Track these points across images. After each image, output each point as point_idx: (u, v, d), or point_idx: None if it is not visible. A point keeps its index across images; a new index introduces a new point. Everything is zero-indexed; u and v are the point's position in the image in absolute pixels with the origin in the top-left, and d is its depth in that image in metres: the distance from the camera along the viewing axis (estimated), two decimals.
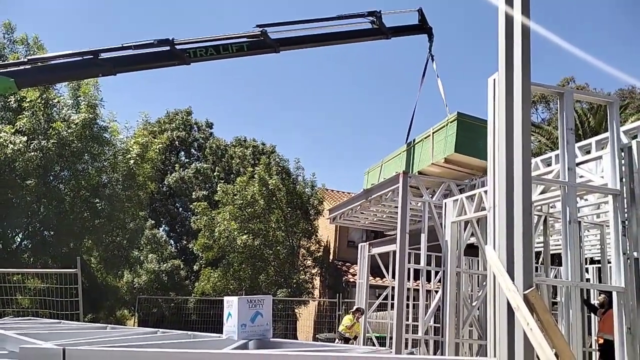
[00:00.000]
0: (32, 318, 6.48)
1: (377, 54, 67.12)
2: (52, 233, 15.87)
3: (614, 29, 47.11)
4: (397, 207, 10.85)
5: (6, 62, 13.22)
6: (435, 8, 24.37)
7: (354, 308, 13.02)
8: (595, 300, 11.45)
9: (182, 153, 35.58)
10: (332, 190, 26.18)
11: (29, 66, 10.69)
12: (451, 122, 10.09)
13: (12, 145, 13.72)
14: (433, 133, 10.74)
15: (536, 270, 10.47)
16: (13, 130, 14.12)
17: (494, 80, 6.13)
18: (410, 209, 10.79)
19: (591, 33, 46.67)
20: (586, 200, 8.45)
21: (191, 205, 24.78)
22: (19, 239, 16.24)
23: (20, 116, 14.60)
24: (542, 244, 8.98)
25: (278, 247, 21.15)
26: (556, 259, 13.04)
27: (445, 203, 9.86)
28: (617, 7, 46.66)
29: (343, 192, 26.01)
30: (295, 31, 11.13)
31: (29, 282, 13.65)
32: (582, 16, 50.11)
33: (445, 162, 10.34)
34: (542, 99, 28.81)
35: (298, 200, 21.65)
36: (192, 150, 35.86)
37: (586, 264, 12.40)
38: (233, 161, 31.23)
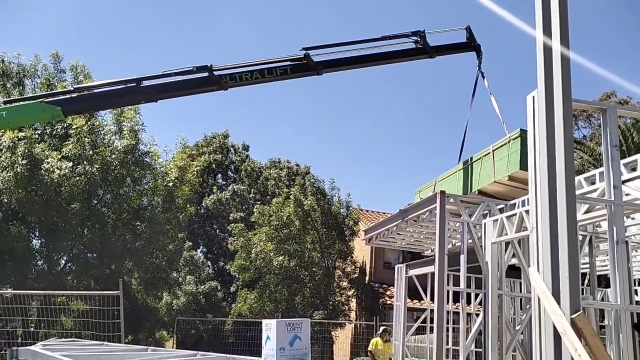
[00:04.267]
0: (76, 339, 6.63)
1: (416, 74, 67.11)
2: (95, 255, 16.30)
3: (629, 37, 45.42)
4: (434, 227, 10.67)
5: (55, 91, 13.84)
6: (462, 23, 24.16)
7: (380, 330, 12.87)
8: None
9: (219, 175, 36.26)
10: (368, 211, 26.05)
11: (75, 94, 11.15)
12: (514, 139, 9.84)
13: (58, 171, 14.26)
14: (493, 151, 10.49)
15: (582, 293, 10.09)
16: (60, 157, 14.69)
17: (533, 97, 6.02)
18: (448, 229, 10.56)
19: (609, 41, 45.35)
20: (633, 219, 8.13)
21: (228, 227, 25.08)
22: (63, 262, 16.74)
23: (66, 142, 15.20)
24: (588, 265, 8.66)
25: (314, 268, 21.09)
26: (603, 281, 12.54)
27: (485, 223, 9.63)
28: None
29: (379, 213, 25.85)
30: (338, 53, 11.16)
31: (73, 304, 14.01)
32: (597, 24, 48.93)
33: (508, 180, 10.12)
34: (583, 113, 28.01)
35: (333, 221, 21.62)
36: (229, 172, 36.51)
37: (635, 285, 11.85)
38: (268, 183, 31.56)
